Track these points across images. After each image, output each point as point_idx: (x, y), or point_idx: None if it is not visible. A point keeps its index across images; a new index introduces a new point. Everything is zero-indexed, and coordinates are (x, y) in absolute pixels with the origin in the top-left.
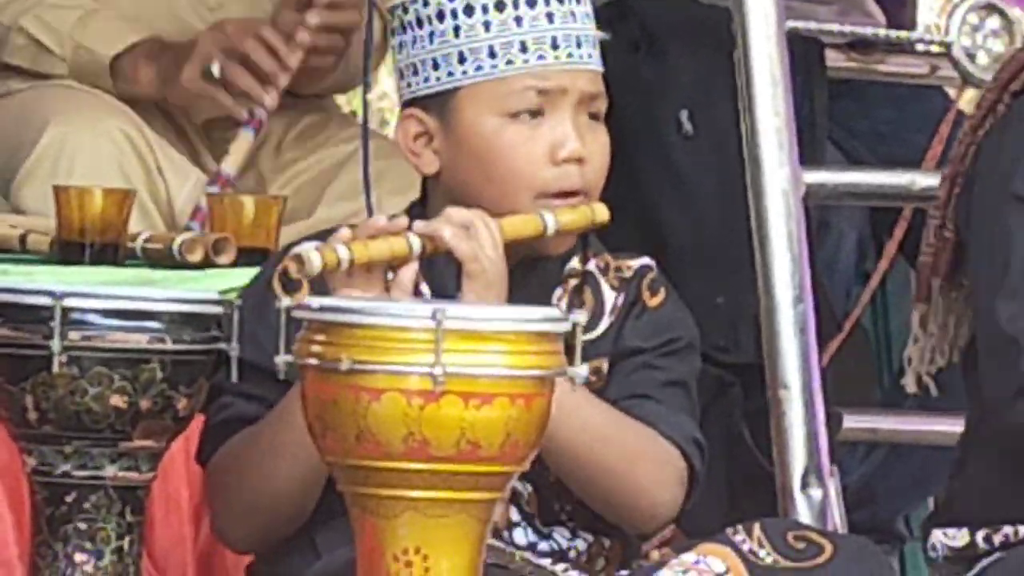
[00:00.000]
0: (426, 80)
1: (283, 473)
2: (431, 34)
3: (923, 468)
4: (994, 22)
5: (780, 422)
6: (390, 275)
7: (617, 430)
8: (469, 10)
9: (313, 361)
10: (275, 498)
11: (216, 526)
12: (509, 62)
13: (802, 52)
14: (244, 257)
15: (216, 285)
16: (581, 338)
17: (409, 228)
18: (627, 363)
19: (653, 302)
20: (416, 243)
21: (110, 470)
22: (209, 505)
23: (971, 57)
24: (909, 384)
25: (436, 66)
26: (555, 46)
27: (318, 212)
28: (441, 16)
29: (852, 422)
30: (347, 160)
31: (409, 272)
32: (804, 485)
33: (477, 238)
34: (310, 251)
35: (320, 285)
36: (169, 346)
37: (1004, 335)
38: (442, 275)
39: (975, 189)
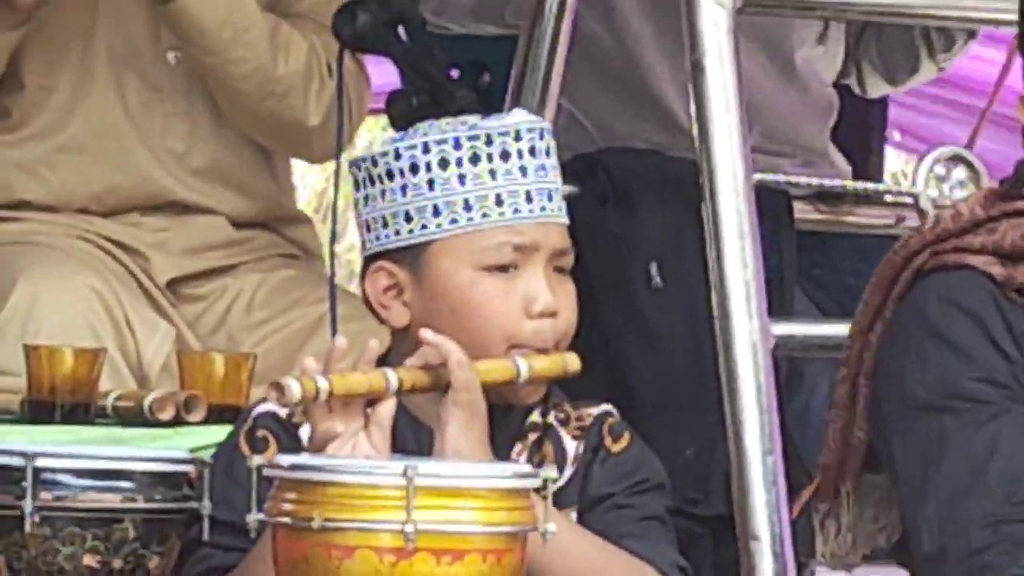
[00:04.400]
0: (397, 233)
1: None
2: (403, 187)
3: None
4: (960, 173)
5: (751, 574)
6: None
7: (609, 562)
8: (444, 163)
9: (284, 519)
10: None
11: None
12: (485, 215)
13: (770, 204)
14: (215, 415)
15: (187, 443)
16: (551, 493)
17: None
18: (598, 509)
19: (616, 447)
20: (393, 379)
21: None
22: None
23: (939, 208)
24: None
25: (409, 219)
26: (529, 199)
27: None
28: (415, 169)
29: (821, 573)
30: (321, 321)
31: (387, 408)
32: None
33: (467, 370)
34: (290, 380)
35: (292, 441)
36: (141, 505)
37: (929, 553)
38: (404, 437)
39: (881, 401)
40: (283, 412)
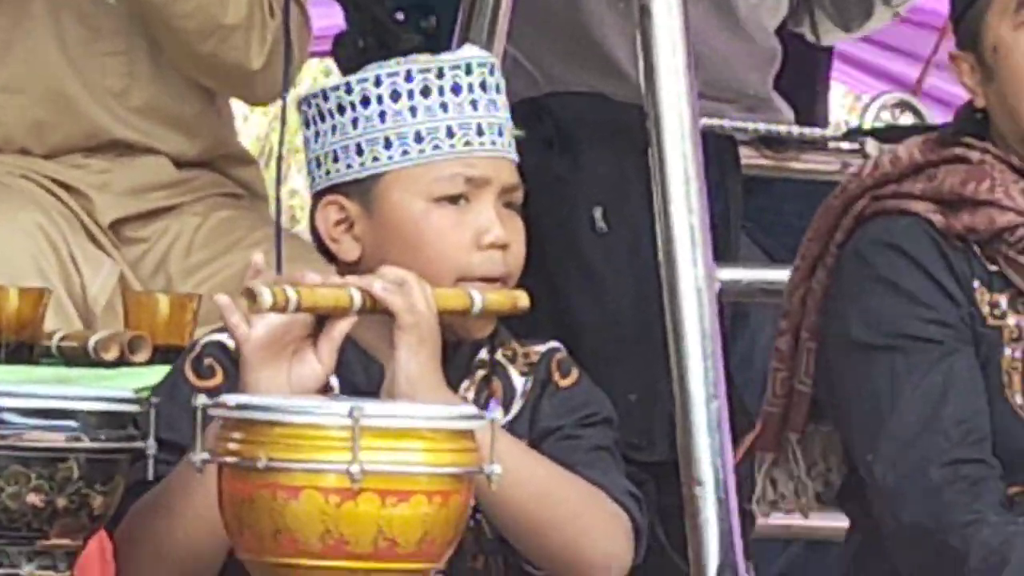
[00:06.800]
0: (349, 166)
1: (184, 520)
2: (354, 120)
3: (838, 562)
4: (907, 119)
5: (695, 519)
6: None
7: (561, 484)
8: (395, 96)
9: (230, 459)
10: (176, 547)
11: None
12: (436, 147)
13: (716, 149)
14: (159, 355)
15: (132, 383)
16: (497, 434)
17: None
18: (547, 441)
19: (565, 382)
20: (357, 296)
21: (27, 569)
22: (116, 569)
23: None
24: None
25: (360, 151)
26: (480, 132)
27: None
28: (366, 102)
29: (765, 519)
30: None
31: (345, 325)
32: None
33: (410, 294)
34: (263, 288)
35: (239, 373)
36: (86, 444)
37: (885, 488)
38: (352, 371)
39: (827, 348)
40: (231, 343)
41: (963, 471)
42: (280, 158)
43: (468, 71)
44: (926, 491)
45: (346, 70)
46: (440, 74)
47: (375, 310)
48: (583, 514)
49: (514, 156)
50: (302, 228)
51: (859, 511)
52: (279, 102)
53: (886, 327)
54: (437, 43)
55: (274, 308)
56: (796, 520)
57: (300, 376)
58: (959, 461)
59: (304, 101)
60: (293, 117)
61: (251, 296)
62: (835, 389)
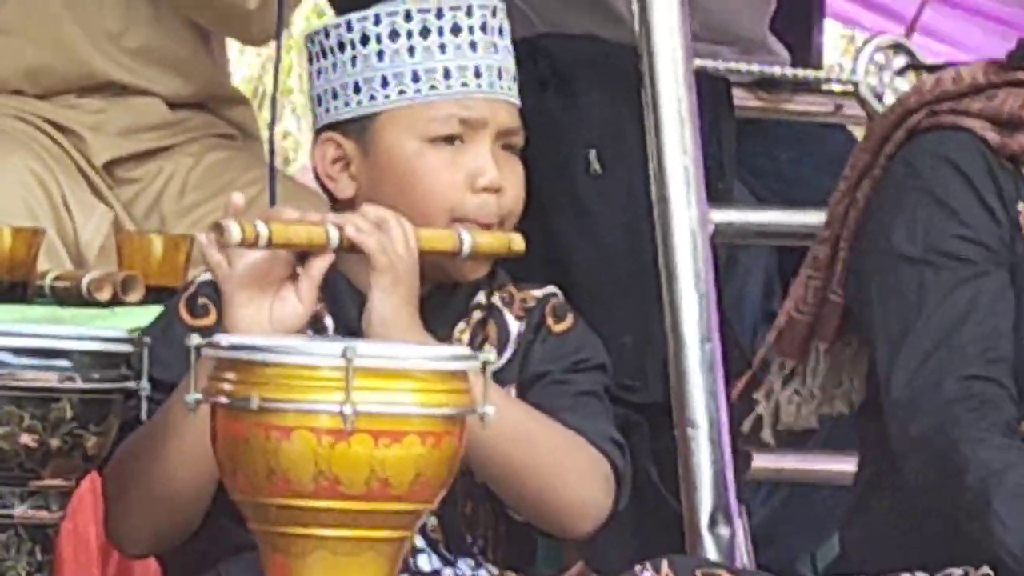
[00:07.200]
0: (346, 104)
1: (173, 459)
2: (353, 59)
3: (825, 508)
4: (900, 61)
5: (688, 461)
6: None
7: (540, 429)
8: (394, 35)
9: (223, 399)
10: (165, 486)
11: (109, 527)
12: (432, 87)
13: (710, 91)
14: (153, 296)
15: (125, 323)
16: (490, 376)
17: None
18: (536, 385)
19: (559, 328)
20: (334, 234)
21: (20, 509)
22: (105, 507)
23: (878, 96)
24: (766, 436)
25: (358, 89)
26: (478, 74)
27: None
28: (365, 40)
29: (758, 461)
30: (251, 204)
31: (322, 262)
32: (712, 523)
33: (388, 233)
34: (230, 222)
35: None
36: (79, 384)
37: (899, 399)
38: (347, 309)
39: (863, 255)
40: None
41: (975, 388)
42: (275, 99)
43: (469, 13)
44: (937, 405)
45: (339, 11)
46: (440, 15)
47: (353, 249)
48: (559, 459)
49: (515, 99)
50: (295, 169)
51: (874, 437)
52: (272, 43)
53: (923, 239)
54: None
55: (244, 243)
56: (786, 463)
57: (281, 314)
58: (973, 377)
59: (308, 38)
60: (286, 58)
61: (219, 231)
62: (866, 296)
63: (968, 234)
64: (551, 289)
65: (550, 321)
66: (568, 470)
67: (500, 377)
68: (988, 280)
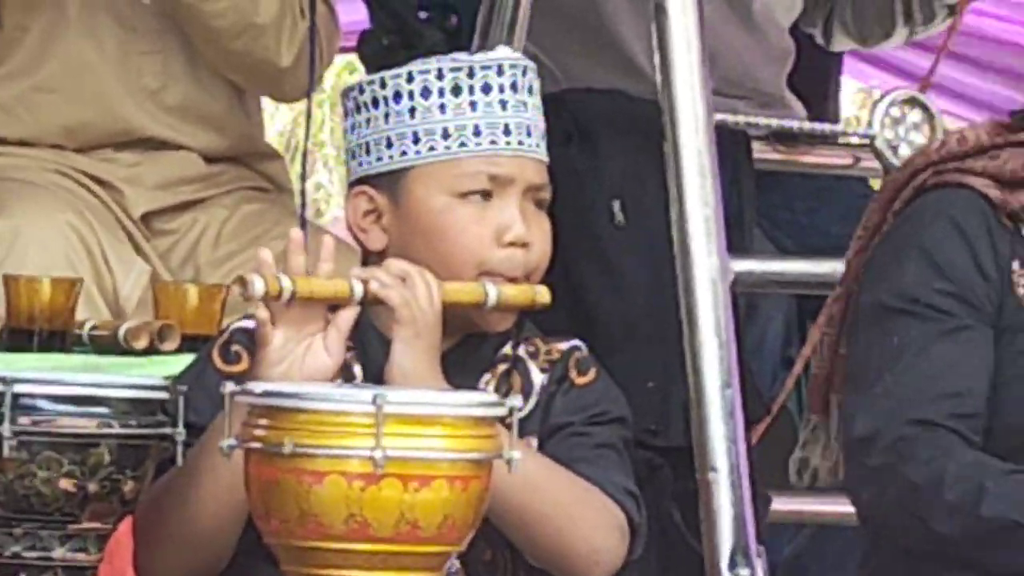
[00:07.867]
0: (379, 159)
1: (204, 501)
2: (386, 115)
3: (849, 545)
4: (915, 115)
5: (709, 504)
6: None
7: (555, 479)
8: (426, 93)
9: (256, 445)
10: (195, 526)
11: (139, 567)
12: (462, 144)
13: (729, 144)
14: (188, 344)
15: (161, 371)
16: (517, 422)
17: None
18: (556, 437)
19: (581, 380)
20: (359, 287)
21: (59, 551)
22: (135, 547)
23: (894, 149)
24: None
25: (390, 145)
26: (507, 132)
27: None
28: (398, 97)
29: (778, 504)
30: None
31: (349, 314)
32: (732, 565)
33: (412, 288)
34: (254, 276)
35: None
36: (117, 430)
37: (859, 435)
38: (375, 357)
39: (858, 307)
40: None
41: (940, 435)
42: (306, 153)
43: (500, 72)
44: (897, 437)
45: (370, 67)
46: (471, 73)
47: (377, 302)
48: (571, 508)
49: (543, 156)
50: (326, 221)
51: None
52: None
53: (909, 291)
54: (459, 41)
55: (267, 296)
56: (806, 506)
57: (311, 369)
58: (940, 426)
59: (344, 93)
60: (317, 112)
61: (243, 284)
62: (853, 346)
63: (954, 289)
64: (576, 342)
65: (573, 374)
66: (581, 519)
67: (522, 427)
68: (969, 335)
